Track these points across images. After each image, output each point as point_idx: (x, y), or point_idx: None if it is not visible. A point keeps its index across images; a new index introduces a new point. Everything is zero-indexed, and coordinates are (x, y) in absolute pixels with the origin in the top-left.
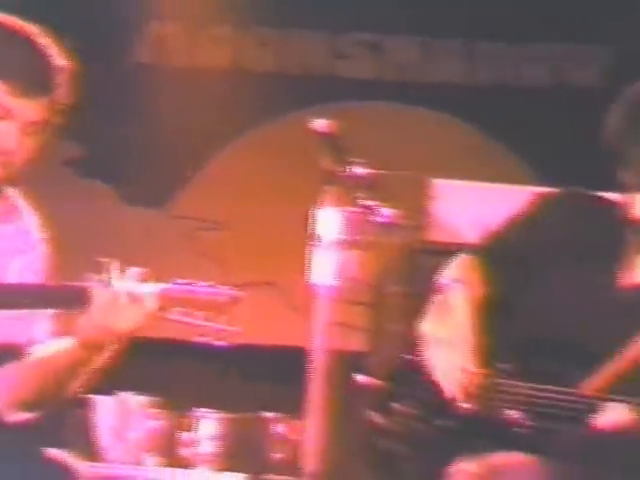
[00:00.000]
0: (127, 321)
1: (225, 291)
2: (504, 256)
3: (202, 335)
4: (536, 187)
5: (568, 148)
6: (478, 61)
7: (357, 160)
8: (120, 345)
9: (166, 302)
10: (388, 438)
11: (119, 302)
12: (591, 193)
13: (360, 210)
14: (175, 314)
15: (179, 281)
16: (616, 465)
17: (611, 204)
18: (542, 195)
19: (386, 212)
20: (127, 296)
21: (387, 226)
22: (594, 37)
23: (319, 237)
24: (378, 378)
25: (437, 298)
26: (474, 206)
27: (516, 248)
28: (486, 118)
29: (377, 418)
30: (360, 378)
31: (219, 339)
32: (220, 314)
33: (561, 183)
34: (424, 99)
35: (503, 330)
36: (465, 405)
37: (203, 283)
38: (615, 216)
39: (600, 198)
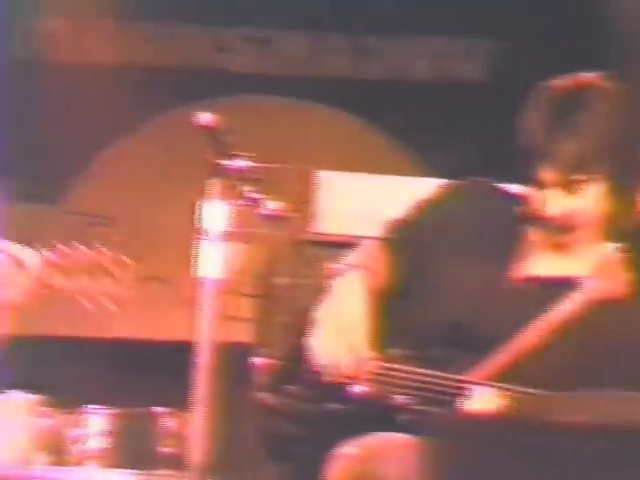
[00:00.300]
0: (12, 288)
1: (108, 254)
2: (406, 244)
3: (88, 299)
4: (420, 178)
5: (453, 141)
6: (364, 55)
7: (243, 153)
8: (9, 317)
9: (50, 268)
10: (280, 420)
11: (2, 270)
12: (492, 184)
13: (246, 203)
14: (60, 279)
15: (62, 247)
16: (498, 448)
17: (510, 196)
18: (445, 184)
19: (272, 205)
20: (10, 263)
21: (273, 218)
22: (478, 31)
23: (205, 230)
24: (270, 362)
25: (331, 284)
26: (360, 197)
27: (418, 236)
28: (372, 111)
29: (269, 399)
30: (253, 361)
31: (106, 302)
32: (105, 277)
33: (445, 175)
34: (311, 93)
35: (397, 316)
36: (356, 389)
37: (85, 247)
38: (513, 208)
39: (500, 190)
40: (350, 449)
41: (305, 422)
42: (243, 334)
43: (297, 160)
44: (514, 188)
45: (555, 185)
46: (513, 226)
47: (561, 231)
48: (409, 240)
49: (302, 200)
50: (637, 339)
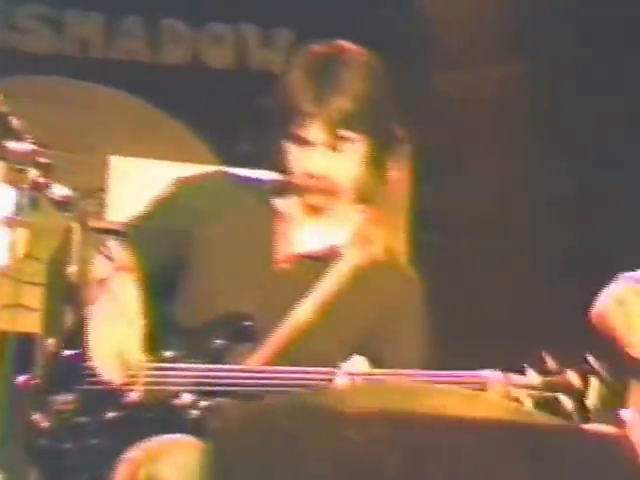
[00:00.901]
0: None
1: None
2: (157, 237)
3: None
4: (215, 167)
5: (247, 129)
6: (161, 40)
7: (30, 136)
8: None
9: None
10: (50, 437)
11: None
12: (238, 172)
13: (33, 188)
14: None
15: None
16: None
17: (261, 182)
18: (192, 176)
19: (61, 190)
20: None
21: (60, 204)
22: (275, 20)
23: None
24: (43, 367)
25: (101, 284)
26: (155, 185)
27: (168, 228)
28: (168, 97)
29: (38, 417)
30: (20, 379)
31: None
32: None
33: (240, 164)
34: (106, 76)
35: (169, 314)
36: (133, 394)
37: None
38: (267, 193)
39: (250, 177)
40: (131, 454)
41: (81, 436)
42: (30, 324)
43: (90, 145)
44: (264, 174)
45: (318, 143)
46: (270, 210)
47: (321, 192)
48: (163, 233)
49: (94, 186)
50: (399, 301)
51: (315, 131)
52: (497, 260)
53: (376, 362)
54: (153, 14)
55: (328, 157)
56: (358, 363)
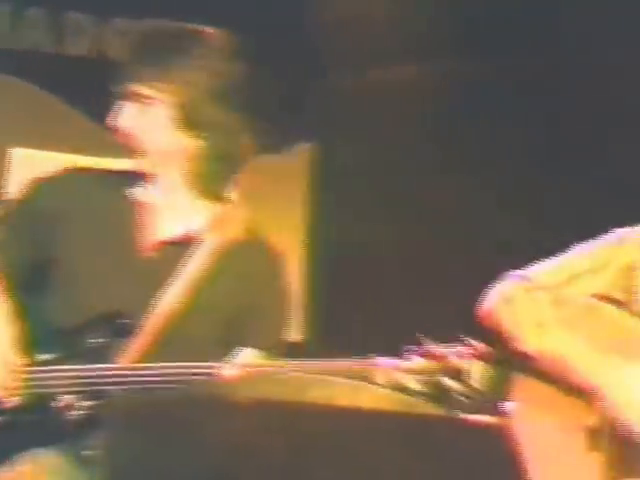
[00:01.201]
0: None
1: None
2: (18, 241)
3: None
4: (120, 160)
5: None
6: (66, 32)
7: None
8: None
9: None
10: None
11: None
12: (95, 163)
13: None
14: None
15: None
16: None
17: (118, 172)
18: (41, 176)
19: None
20: None
21: None
22: (179, 15)
23: None
24: None
25: None
26: None
27: (27, 230)
28: (71, 89)
29: None
30: None
31: None
32: None
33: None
34: (10, 67)
35: (41, 316)
36: (10, 400)
37: None
38: (124, 182)
39: (104, 168)
40: (14, 467)
41: None
42: None
43: None
44: (122, 163)
45: (130, 97)
46: (128, 199)
47: (131, 151)
48: (18, 236)
49: None
50: (262, 278)
51: (129, 86)
52: (388, 246)
53: (246, 340)
54: (57, 6)
55: (134, 114)
56: (247, 355)
